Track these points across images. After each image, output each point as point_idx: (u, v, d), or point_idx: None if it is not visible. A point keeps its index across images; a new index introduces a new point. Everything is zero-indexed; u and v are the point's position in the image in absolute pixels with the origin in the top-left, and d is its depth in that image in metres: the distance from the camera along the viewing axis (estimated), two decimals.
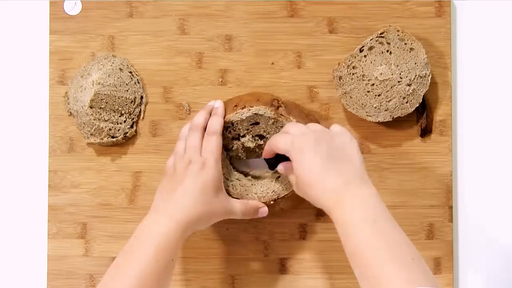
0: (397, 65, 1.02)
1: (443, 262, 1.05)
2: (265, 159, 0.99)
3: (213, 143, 0.97)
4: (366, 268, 0.84)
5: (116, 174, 1.07)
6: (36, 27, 1.09)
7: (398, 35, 1.03)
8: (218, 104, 1.02)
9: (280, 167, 0.96)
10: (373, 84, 1.03)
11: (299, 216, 1.06)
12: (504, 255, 1.07)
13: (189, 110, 1.07)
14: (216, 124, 0.99)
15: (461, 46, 1.08)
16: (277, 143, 0.94)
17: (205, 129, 0.99)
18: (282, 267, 1.06)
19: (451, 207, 1.06)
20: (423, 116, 1.06)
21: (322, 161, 0.89)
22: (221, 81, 1.07)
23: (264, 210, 1.00)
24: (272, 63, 1.07)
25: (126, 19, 1.08)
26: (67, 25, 1.08)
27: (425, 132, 1.06)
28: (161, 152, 1.07)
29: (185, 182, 0.94)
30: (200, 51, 1.08)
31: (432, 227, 1.06)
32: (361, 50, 1.03)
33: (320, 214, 1.06)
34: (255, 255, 1.06)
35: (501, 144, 1.08)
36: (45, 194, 1.07)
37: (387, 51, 1.03)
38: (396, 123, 1.05)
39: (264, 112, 1.00)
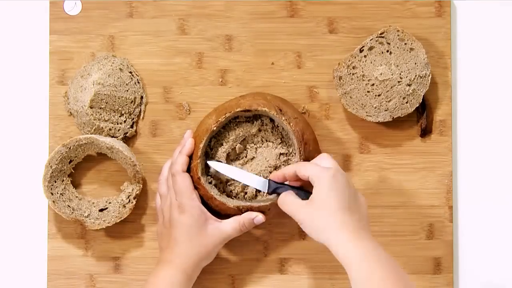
0: (397, 65, 1.02)
1: (443, 262, 1.05)
2: (269, 180, 0.98)
3: (179, 183, 0.99)
4: None
5: (116, 174, 1.07)
6: (36, 27, 1.09)
7: (398, 35, 1.03)
8: (187, 142, 1.02)
9: (284, 197, 0.95)
10: (373, 84, 1.03)
11: None
12: (504, 255, 1.07)
13: (189, 110, 1.07)
14: (178, 163, 1.00)
15: (461, 46, 1.08)
16: (306, 168, 0.93)
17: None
18: (282, 267, 1.06)
19: (451, 207, 1.06)
20: (423, 116, 1.06)
21: (347, 201, 0.90)
22: (221, 81, 1.07)
23: (259, 219, 1.00)
24: (272, 63, 1.07)
25: (126, 19, 1.08)
26: (67, 25, 1.08)
27: (425, 132, 1.06)
28: (161, 152, 1.07)
29: (173, 232, 0.99)
30: (200, 51, 1.08)
31: (432, 227, 1.06)
32: (361, 50, 1.03)
33: None
34: (255, 255, 1.06)
35: (501, 144, 1.08)
36: None
37: (387, 51, 1.03)
38: (396, 123, 1.05)
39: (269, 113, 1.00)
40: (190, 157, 1.01)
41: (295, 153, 1.01)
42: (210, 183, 1.02)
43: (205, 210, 0.99)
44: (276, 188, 0.97)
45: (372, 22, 1.07)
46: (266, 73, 1.07)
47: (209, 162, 1.01)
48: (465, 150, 1.08)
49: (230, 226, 0.99)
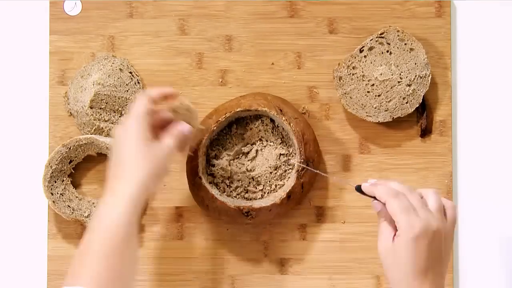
0: (397, 66, 1.03)
1: None
2: (359, 188, 0.90)
3: (138, 100, 0.92)
4: None
5: None
6: (36, 27, 1.09)
7: (398, 35, 1.03)
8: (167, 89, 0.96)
9: (382, 224, 0.88)
10: (373, 85, 1.03)
11: (299, 217, 1.06)
12: (504, 255, 1.07)
13: None
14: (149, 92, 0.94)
15: (461, 47, 1.09)
16: (392, 208, 0.85)
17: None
18: (282, 268, 1.06)
19: None
20: (423, 117, 1.06)
21: (423, 264, 0.84)
22: (221, 82, 1.07)
23: (185, 127, 0.94)
24: (272, 64, 1.07)
25: (126, 20, 1.08)
26: (67, 26, 1.08)
27: (425, 132, 1.06)
28: None
29: (120, 153, 0.91)
30: (200, 52, 1.08)
31: None
32: (361, 51, 1.03)
33: (320, 215, 1.06)
34: (255, 256, 1.06)
35: (500, 144, 1.08)
36: None
37: (387, 51, 1.03)
38: (396, 123, 1.05)
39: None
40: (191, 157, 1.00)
41: (295, 153, 1.01)
42: (210, 183, 1.02)
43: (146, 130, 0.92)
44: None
45: (372, 22, 1.07)
46: (266, 73, 1.07)
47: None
48: (465, 150, 1.08)
49: (166, 140, 0.92)
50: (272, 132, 1.03)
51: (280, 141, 1.03)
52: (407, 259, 0.84)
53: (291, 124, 0.99)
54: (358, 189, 0.89)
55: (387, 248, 0.86)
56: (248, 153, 1.04)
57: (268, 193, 1.03)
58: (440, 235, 0.85)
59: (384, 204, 0.86)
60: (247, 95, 1.04)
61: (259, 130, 1.03)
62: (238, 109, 1.00)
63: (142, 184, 0.89)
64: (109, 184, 0.90)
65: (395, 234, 0.85)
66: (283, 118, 0.99)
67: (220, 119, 1.00)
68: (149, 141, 0.91)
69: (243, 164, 1.04)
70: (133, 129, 0.91)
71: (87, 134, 1.05)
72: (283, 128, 1.03)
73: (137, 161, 0.90)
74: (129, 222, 0.87)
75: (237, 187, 1.03)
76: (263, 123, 1.03)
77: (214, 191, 1.01)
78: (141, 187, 0.88)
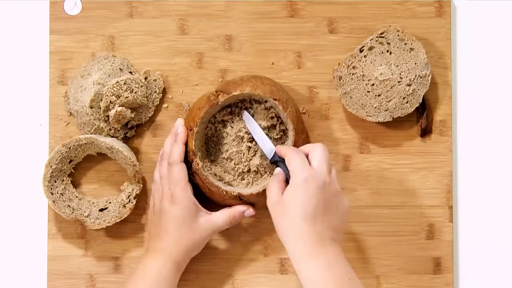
0: (397, 65, 1.03)
1: (443, 262, 1.05)
2: (275, 151, 0.98)
3: (175, 173, 0.99)
4: None
5: (116, 174, 1.07)
6: (36, 27, 1.09)
7: (398, 35, 1.03)
8: (180, 130, 1.01)
9: (271, 181, 0.95)
10: (373, 84, 1.03)
11: None
12: (504, 255, 1.07)
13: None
14: (175, 153, 1.00)
15: (461, 46, 1.09)
16: (291, 160, 0.93)
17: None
18: (282, 267, 1.06)
19: (451, 207, 1.06)
20: (423, 116, 1.06)
21: (311, 210, 0.89)
22: (221, 81, 1.07)
23: (249, 212, 1.01)
24: (272, 63, 1.07)
25: (126, 19, 1.08)
26: (67, 25, 1.08)
27: (425, 132, 1.06)
28: None
29: (163, 222, 0.99)
30: (200, 51, 1.08)
31: (432, 227, 1.06)
32: (361, 50, 1.03)
33: None
34: (255, 255, 1.06)
35: (500, 144, 1.08)
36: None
37: (387, 51, 1.03)
38: (396, 123, 1.05)
39: None
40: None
41: (287, 139, 1.02)
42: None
43: (197, 202, 0.99)
44: (278, 161, 0.97)
45: (372, 22, 1.07)
46: (266, 73, 1.07)
47: (244, 114, 1.02)
48: (465, 150, 1.08)
49: (221, 218, 1.00)
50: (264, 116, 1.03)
51: (270, 126, 1.03)
52: (296, 202, 0.89)
53: (287, 113, 0.99)
54: (272, 157, 0.98)
55: (276, 200, 0.92)
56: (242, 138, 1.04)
57: (257, 179, 1.03)
58: (330, 188, 0.91)
59: (286, 168, 0.94)
60: (243, 78, 1.02)
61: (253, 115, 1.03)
62: (236, 93, 1.00)
63: (186, 258, 1.01)
64: (153, 243, 1.00)
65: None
66: (281, 107, 0.99)
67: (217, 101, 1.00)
68: (195, 222, 0.99)
69: (241, 150, 1.04)
70: (182, 212, 0.98)
71: (87, 134, 1.05)
72: (275, 114, 1.03)
73: (185, 242, 0.99)
74: (174, 279, 0.99)
75: (231, 175, 1.04)
76: (252, 106, 1.03)
77: (211, 177, 1.00)
78: (185, 260, 1.01)
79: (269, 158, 0.99)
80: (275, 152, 0.98)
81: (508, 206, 1.07)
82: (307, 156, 0.94)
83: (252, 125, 1.01)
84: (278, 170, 0.97)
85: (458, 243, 1.07)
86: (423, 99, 1.04)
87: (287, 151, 0.95)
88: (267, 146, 1.00)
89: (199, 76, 1.07)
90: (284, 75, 1.07)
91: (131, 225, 1.06)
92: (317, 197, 0.90)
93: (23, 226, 1.08)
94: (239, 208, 1.01)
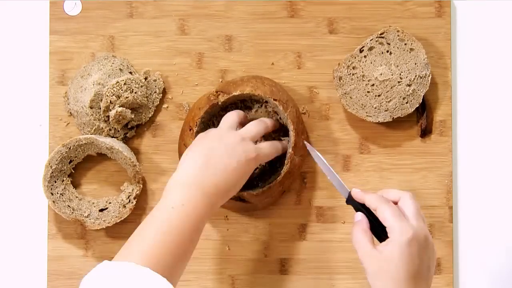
0: (397, 66, 1.03)
1: (443, 262, 1.05)
2: (350, 193, 0.93)
3: (258, 125, 0.98)
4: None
5: (116, 174, 1.07)
6: (36, 27, 1.09)
7: (398, 35, 1.03)
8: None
9: (355, 232, 0.89)
10: (373, 85, 1.03)
11: (299, 217, 1.06)
12: (504, 256, 1.07)
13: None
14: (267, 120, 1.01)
15: (461, 47, 1.09)
16: (385, 214, 0.87)
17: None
18: (282, 268, 1.06)
19: (451, 208, 1.06)
20: (423, 117, 1.06)
21: (415, 270, 0.85)
22: (221, 82, 1.07)
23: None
24: (272, 64, 1.07)
25: (126, 20, 1.08)
26: (67, 26, 1.08)
27: (425, 132, 1.06)
28: (161, 153, 1.07)
29: (222, 155, 0.91)
30: (200, 52, 1.08)
31: (432, 228, 1.06)
32: (361, 51, 1.03)
33: (320, 215, 1.06)
34: (255, 256, 1.06)
35: (500, 144, 1.08)
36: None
37: (387, 51, 1.03)
38: (396, 123, 1.05)
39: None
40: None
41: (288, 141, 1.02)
42: None
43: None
44: (355, 204, 0.92)
45: (372, 22, 1.07)
46: (266, 73, 1.07)
47: (309, 148, 0.98)
48: (465, 150, 1.08)
49: (268, 147, 0.97)
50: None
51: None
52: (399, 263, 0.84)
53: (288, 114, 1.00)
54: (348, 198, 0.92)
55: (370, 254, 0.87)
56: None
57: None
58: (430, 243, 0.87)
59: (366, 212, 0.89)
60: (243, 78, 1.03)
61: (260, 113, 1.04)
62: (236, 93, 1.00)
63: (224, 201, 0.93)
64: (202, 180, 0.89)
65: (374, 241, 0.87)
66: (281, 108, 0.99)
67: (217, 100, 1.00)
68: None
69: None
70: (247, 150, 0.93)
71: (87, 134, 1.05)
72: (275, 113, 1.03)
73: (238, 184, 0.93)
74: (198, 214, 0.88)
75: None
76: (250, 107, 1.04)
77: None
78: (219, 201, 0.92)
79: (346, 198, 0.93)
80: (349, 193, 0.93)
81: (508, 206, 1.07)
82: (395, 203, 0.89)
83: (322, 163, 0.96)
84: (359, 216, 0.90)
85: (458, 243, 1.07)
86: (423, 99, 1.04)
87: (376, 202, 0.88)
88: (340, 185, 0.94)
89: (199, 77, 1.07)
90: (284, 75, 1.07)
91: (131, 225, 1.06)
92: (421, 258, 0.85)
93: (23, 226, 1.08)
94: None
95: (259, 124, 0.98)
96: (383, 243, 0.86)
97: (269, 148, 0.97)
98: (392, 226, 0.86)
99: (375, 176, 1.06)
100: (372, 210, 0.89)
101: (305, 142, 1.00)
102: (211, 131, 0.96)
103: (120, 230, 1.06)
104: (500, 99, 1.08)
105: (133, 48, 1.08)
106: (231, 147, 0.92)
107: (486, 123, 1.08)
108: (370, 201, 0.89)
